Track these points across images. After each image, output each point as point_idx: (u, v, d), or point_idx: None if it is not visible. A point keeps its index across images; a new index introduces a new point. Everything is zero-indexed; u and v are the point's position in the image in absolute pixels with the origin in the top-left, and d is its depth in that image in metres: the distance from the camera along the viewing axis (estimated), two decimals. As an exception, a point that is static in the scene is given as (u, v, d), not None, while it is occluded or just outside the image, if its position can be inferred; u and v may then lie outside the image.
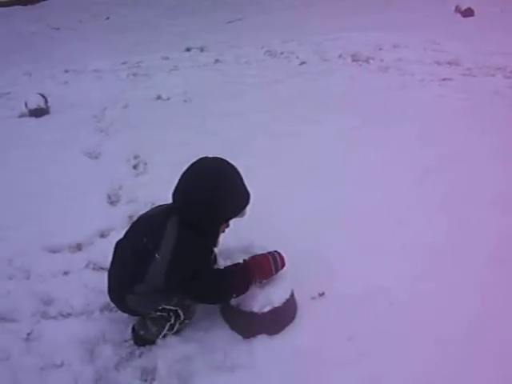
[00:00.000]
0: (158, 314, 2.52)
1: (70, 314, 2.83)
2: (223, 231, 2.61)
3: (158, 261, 2.37)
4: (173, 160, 3.99)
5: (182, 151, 4.15)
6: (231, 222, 2.55)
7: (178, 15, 8.86)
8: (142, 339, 2.59)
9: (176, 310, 2.51)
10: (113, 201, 3.78)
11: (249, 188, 2.50)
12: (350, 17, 7.73)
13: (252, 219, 3.19)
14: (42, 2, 10.28)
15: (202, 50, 7.10)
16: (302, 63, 6.22)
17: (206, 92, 5.39)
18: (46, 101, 5.43)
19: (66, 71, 6.84)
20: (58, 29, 9.16)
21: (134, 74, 6.47)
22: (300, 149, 4.14)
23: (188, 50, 7.12)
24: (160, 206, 2.63)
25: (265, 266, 2.52)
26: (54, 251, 3.31)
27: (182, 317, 2.54)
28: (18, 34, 8.80)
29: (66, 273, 3.11)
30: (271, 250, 2.67)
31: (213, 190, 2.33)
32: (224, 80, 5.74)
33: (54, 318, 2.82)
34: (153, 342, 2.59)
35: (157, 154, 4.20)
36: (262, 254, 2.57)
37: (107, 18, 9.54)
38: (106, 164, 4.19)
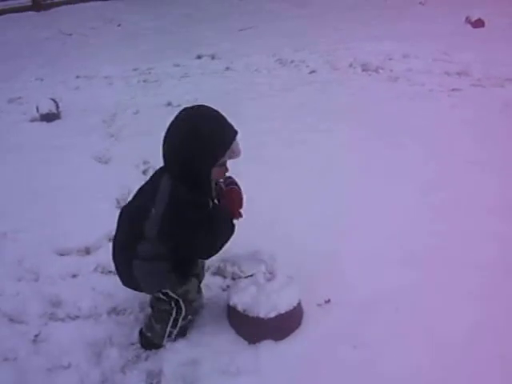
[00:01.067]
0: (161, 298, 2.49)
1: (77, 317, 2.86)
2: (221, 178, 2.50)
3: (153, 215, 2.33)
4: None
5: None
6: (228, 166, 2.42)
7: (189, 23, 8.91)
8: (149, 342, 2.61)
9: (178, 301, 2.50)
10: (122, 205, 3.79)
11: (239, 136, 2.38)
12: (360, 27, 7.76)
13: (260, 225, 3.23)
14: (55, 8, 10.37)
15: (212, 57, 7.14)
16: (312, 72, 6.25)
17: (217, 99, 5.37)
18: (58, 106, 5.48)
19: (78, 77, 6.89)
20: (70, 35, 9.23)
21: (145, 81, 6.51)
22: (310, 157, 4.17)
23: (199, 57, 7.16)
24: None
25: (235, 198, 2.53)
26: (63, 254, 3.34)
27: (184, 311, 2.53)
28: (31, 39, 8.87)
29: (74, 275, 3.14)
30: (278, 256, 2.69)
31: (187, 134, 2.26)
32: (234, 87, 5.77)
33: (62, 320, 2.85)
34: (159, 346, 2.60)
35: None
36: (228, 190, 2.54)
37: (119, 25, 9.60)
38: (116, 169, 4.22)
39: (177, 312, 2.53)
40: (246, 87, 5.80)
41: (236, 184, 2.57)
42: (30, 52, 8.06)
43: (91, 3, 10.38)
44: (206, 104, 2.40)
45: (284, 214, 3.45)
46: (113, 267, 3.08)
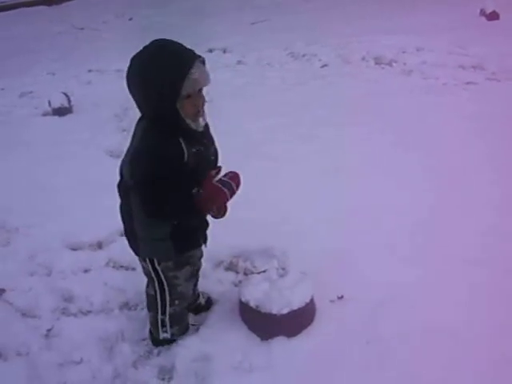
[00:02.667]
0: (145, 267, 2.39)
1: (89, 312, 2.87)
2: (194, 115, 2.11)
3: (127, 161, 2.17)
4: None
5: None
6: (203, 97, 2.11)
7: (201, 17, 8.88)
8: (154, 337, 2.61)
9: (160, 282, 2.39)
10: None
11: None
12: (373, 20, 7.69)
13: (272, 221, 3.21)
14: (67, 3, 10.39)
15: (224, 51, 7.11)
16: (325, 66, 6.20)
17: (228, 93, 5.39)
18: (70, 100, 5.49)
19: (90, 71, 6.90)
20: (82, 29, 9.24)
21: (156, 74, 6.49)
22: (321, 152, 4.13)
23: (210, 51, 7.12)
24: None
25: (217, 199, 2.18)
26: (75, 249, 3.35)
27: (168, 293, 2.42)
28: (43, 33, 8.89)
29: (86, 270, 3.15)
30: (291, 252, 2.66)
31: (141, 68, 2.04)
32: (246, 81, 5.74)
33: (74, 315, 2.86)
34: (166, 342, 2.58)
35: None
36: (217, 187, 2.16)
37: (130, 19, 9.60)
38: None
39: (161, 295, 2.43)
40: (258, 81, 5.77)
41: (234, 181, 2.21)
42: (42, 46, 8.08)
43: (104, -3, 10.41)
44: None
45: (295, 210, 3.42)
46: (125, 262, 3.11)
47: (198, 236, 2.42)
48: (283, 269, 2.71)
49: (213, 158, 2.35)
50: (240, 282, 2.90)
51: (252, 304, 2.50)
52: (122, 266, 3.09)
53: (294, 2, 9.03)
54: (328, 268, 2.84)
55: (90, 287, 2.99)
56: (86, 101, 5.67)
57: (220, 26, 8.18)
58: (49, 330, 2.75)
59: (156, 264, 2.36)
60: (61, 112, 5.37)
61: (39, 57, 7.35)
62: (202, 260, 2.60)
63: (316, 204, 3.49)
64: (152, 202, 2.14)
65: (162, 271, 2.37)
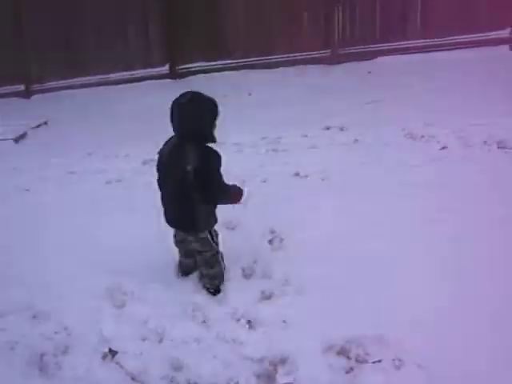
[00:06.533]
0: (207, 237, 3.57)
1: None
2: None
3: (191, 170, 3.33)
4: (309, 238, 4.03)
5: (320, 230, 4.16)
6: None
7: (318, 95, 9.04)
8: (217, 289, 3.64)
9: (216, 242, 3.64)
10: (247, 274, 3.82)
11: None
12: (497, 101, 7.46)
13: (386, 306, 3.08)
14: (190, 77, 10.94)
15: (341, 129, 7.14)
16: (443, 148, 6.06)
17: (345, 172, 5.39)
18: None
19: (209, 143, 7.16)
20: (202, 101, 9.70)
21: (273, 150, 6.63)
22: (436, 240, 3.96)
23: (327, 128, 7.19)
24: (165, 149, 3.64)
25: (237, 196, 3.56)
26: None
27: (223, 259, 3.68)
28: (167, 104, 9.38)
29: (197, 341, 3.16)
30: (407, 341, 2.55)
31: (197, 109, 3.38)
32: (362, 161, 5.71)
33: (183, 385, 2.86)
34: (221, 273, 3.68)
35: (293, 231, 4.21)
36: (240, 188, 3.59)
37: (250, 94, 9.95)
38: (242, 236, 4.26)
39: (218, 254, 3.66)
40: (374, 161, 5.72)
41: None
42: (165, 116, 8.50)
43: (225, 72, 10.87)
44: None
45: (412, 295, 3.29)
46: (234, 336, 3.13)
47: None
48: (399, 360, 2.58)
49: None
50: (351, 368, 2.80)
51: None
52: (233, 340, 3.09)
53: (410, 82, 8.98)
54: (450, 361, 2.66)
55: (199, 359, 3.01)
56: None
57: (337, 103, 8.27)
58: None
59: (212, 233, 3.61)
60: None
61: (159, 126, 7.72)
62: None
63: (435, 292, 3.32)
64: (214, 189, 3.42)
65: (213, 237, 3.61)
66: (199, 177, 3.32)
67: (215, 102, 3.45)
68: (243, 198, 3.62)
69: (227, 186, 3.49)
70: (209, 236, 3.58)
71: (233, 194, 3.54)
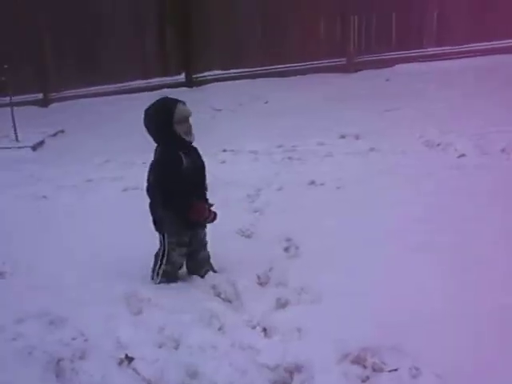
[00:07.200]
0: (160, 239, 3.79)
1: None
2: (187, 134, 3.68)
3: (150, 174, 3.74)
4: (325, 246, 4.02)
5: (336, 238, 4.14)
6: (188, 125, 3.67)
7: (333, 102, 9.02)
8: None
9: (165, 249, 3.76)
10: (262, 282, 3.82)
11: None
12: (513, 110, 7.41)
13: (404, 315, 3.07)
14: (207, 85, 11.02)
15: (357, 137, 7.14)
16: (461, 156, 6.02)
17: (360, 180, 5.38)
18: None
19: (224, 150, 7.20)
20: (219, 110, 9.73)
21: (289, 158, 6.64)
22: (458, 244, 3.94)
23: (343, 136, 7.20)
24: None
25: (200, 213, 3.69)
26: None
27: (166, 259, 3.77)
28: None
29: (214, 348, 3.15)
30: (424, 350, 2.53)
31: (148, 117, 3.65)
32: (378, 169, 5.69)
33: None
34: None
35: (309, 239, 4.21)
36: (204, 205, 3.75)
37: (266, 102, 9.97)
38: (258, 244, 4.27)
39: (162, 256, 3.77)
40: (391, 170, 5.69)
41: (213, 214, 3.81)
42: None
43: (241, 81, 10.91)
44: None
45: (430, 304, 3.26)
46: (250, 344, 3.13)
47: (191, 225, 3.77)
48: (416, 369, 2.56)
49: (201, 166, 3.86)
50: (367, 377, 2.78)
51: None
52: (250, 347, 3.08)
53: (428, 89, 8.95)
54: (467, 371, 2.63)
55: (215, 366, 2.99)
56: (219, 179, 5.86)
57: (352, 111, 8.25)
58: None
59: (166, 237, 3.75)
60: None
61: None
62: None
63: (455, 301, 3.29)
64: (163, 198, 3.63)
65: (168, 243, 3.74)
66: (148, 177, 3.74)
67: (158, 107, 3.66)
68: (209, 218, 3.75)
69: (172, 192, 3.59)
70: (161, 237, 3.80)
71: (191, 207, 3.64)
